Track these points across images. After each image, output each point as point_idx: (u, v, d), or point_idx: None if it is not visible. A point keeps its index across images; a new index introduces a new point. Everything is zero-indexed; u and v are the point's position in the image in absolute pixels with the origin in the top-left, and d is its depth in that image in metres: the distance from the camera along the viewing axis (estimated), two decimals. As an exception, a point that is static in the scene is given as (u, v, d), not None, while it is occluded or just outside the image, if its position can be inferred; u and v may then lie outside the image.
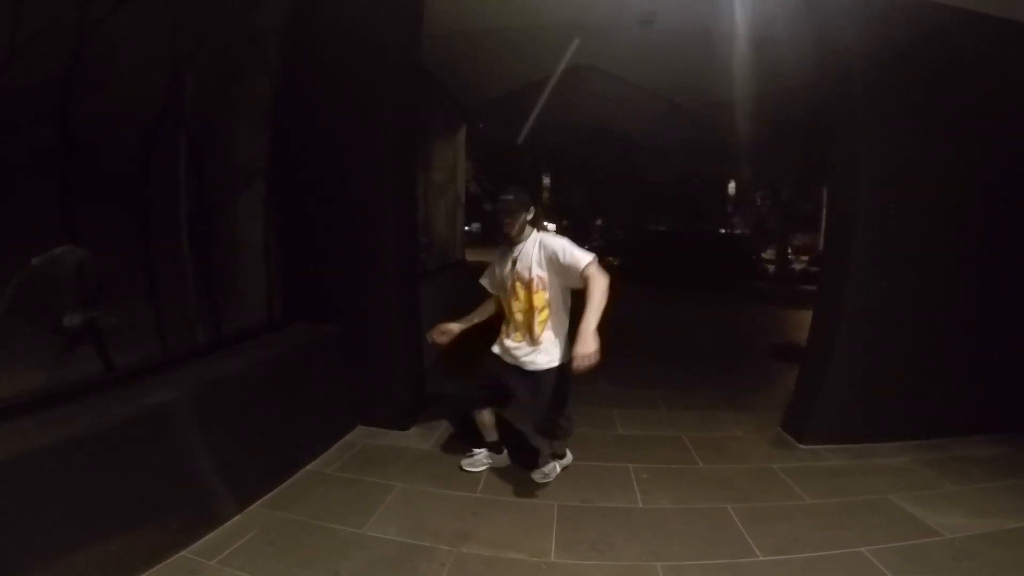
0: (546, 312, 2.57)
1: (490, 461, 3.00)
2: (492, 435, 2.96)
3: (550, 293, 2.55)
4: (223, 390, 2.50)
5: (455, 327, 2.78)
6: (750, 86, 6.56)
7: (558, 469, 2.94)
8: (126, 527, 1.97)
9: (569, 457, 3.05)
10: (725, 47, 5.21)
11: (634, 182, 21.72)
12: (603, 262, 2.44)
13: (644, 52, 5.88)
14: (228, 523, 2.39)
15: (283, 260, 3.45)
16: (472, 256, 9.42)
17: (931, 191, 3.26)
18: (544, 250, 2.52)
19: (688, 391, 4.58)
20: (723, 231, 22.19)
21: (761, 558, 2.26)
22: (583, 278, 2.36)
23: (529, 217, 2.57)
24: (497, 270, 2.75)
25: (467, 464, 2.97)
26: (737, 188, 24.21)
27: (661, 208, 23.62)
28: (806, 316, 3.69)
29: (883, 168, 3.21)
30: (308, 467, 2.96)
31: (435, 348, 2.82)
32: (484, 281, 2.85)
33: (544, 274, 2.53)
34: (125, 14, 2.19)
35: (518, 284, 2.59)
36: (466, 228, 11.98)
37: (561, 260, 2.44)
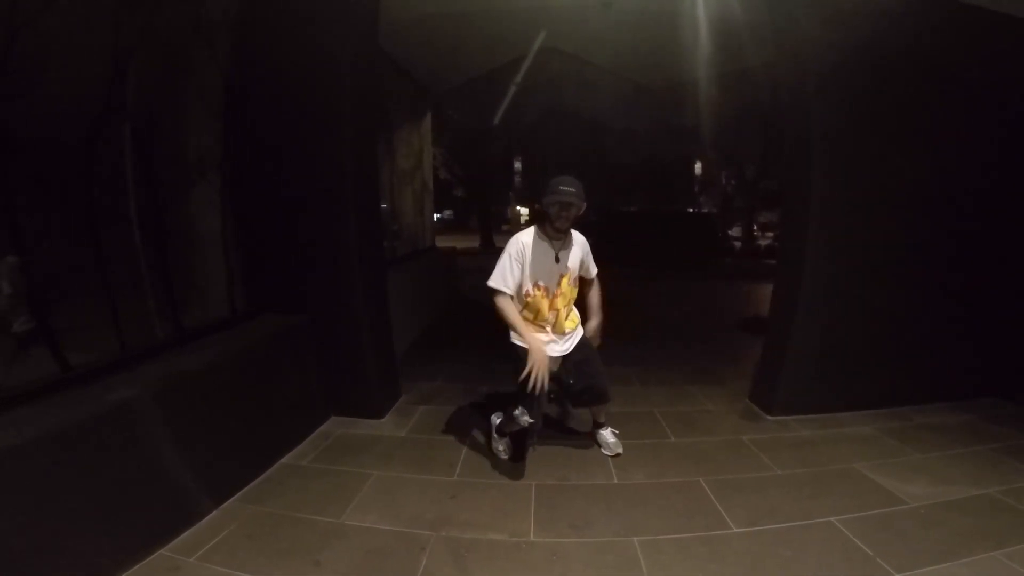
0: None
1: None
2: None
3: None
4: (187, 384, 2.43)
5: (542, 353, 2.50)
6: (712, 67, 6.62)
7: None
8: (100, 528, 1.92)
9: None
10: (686, 28, 5.24)
11: (603, 164, 21.81)
12: None
13: (606, 34, 5.87)
14: (205, 519, 2.35)
15: (246, 251, 3.34)
16: (443, 242, 9.38)
17: (888, 166, 3.33)
18: (582, 250, 2.75)
19: (660, 367, 4.66)
20: (691, 210, 22.55)
21: (735, 530, 2.31)
22: (591, 281, 2.89)
23: (579, 214, 2.59)
24: (527, 268, 2.56)
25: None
26: (703, 168, 24.59)
27: (629, 189, 23.85)
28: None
29: (837, 144, 3.26)
30: (283, 460, 2.92)
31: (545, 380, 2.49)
32: (501, 284, 2.53)
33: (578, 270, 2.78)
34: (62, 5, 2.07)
35: (565, 280, 2.68)
36: (436, 216, 11.86)
37: (589, 264, 2.82)
